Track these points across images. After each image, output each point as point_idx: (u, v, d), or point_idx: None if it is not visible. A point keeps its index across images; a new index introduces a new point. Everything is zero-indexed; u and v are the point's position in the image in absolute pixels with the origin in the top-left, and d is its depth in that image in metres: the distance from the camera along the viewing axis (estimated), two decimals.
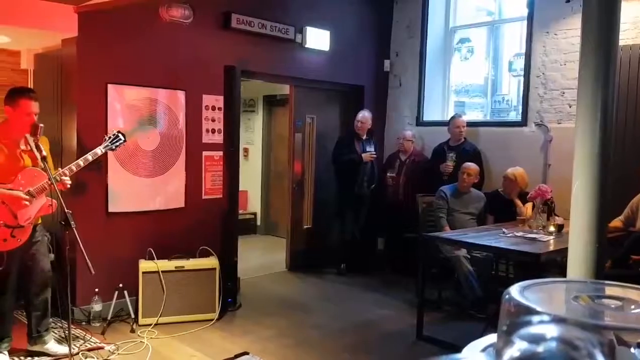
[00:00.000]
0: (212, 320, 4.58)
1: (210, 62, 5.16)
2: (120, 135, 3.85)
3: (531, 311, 0.68)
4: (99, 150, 3.73)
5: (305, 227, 6.46)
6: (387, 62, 6.91)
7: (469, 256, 4.80)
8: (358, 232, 6.24)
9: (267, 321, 4.67)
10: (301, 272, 6.23)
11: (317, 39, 6.00)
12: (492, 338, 0.96)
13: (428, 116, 6.68)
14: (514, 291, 0.82)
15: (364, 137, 6.14)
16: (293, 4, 5.84)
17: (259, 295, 5.41)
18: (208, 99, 5.20)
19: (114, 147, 3.84)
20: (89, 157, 3.67)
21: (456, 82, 6.84)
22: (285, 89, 6.87)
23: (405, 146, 6.18)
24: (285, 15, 5.72)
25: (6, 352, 3.64)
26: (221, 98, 5.28)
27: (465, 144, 5.81)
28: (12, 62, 5.08)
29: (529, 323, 0.67)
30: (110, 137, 3.82)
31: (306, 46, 5.92)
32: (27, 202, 3.44)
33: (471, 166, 5.25)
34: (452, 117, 5.95)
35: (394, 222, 6.13)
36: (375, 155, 6.11)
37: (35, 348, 3.79)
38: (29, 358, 3.75)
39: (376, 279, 6.04)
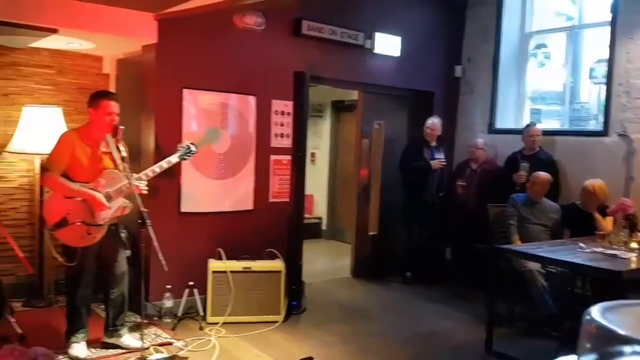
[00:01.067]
0: (277, 322, 4.62)
1: (281, 68, 5.24)
2: (192, 147, 4.07)
3: (622, 338, 0.64)
4: (173, 159, 3.96)
5: (370, 233, 6.42)
6: (458, 68, 6.77)
7: (543, 270, 4.61)
8: (425, 241, 6.13)
9: (330, 327, 4.67)
10: (365, 279, 6.20)
11: (387, 44, 5.96)
12: (567, 359, 0.91)
13: (501, 124, 6.49)
14: (596, 312, 0.78)
15: (433, 144, 6.04)
16: (363, 10, 5.83)
17: (323, 300, 5.42)
18: (277, 104, 5.28)
19: (186, 158, 4.08)
20: (164, 164, 3.89)
21: (532, 88, 6.61)
22: (353, 95, 6.87)
23: (476, 154, 6.03)
24: (356, 21, 5.73)
25: (83, 343, 3.83)
26: (290, 103, 5.35)
27: (540, 153, 5.60)
28: (96, 67, 5.35)
29: (621, 354, 0.63)
30: (183, 148, 4.04)
31: (375, 52, 5.90)
32: (105, 206, 3.62)
33: (541, 175, 5.05)
34: (527, 126, 5.76)
35: (463, 232, 5.98)
36: (444, 163, 6.00)
37: (111, 340, 3.97)
38: (104, 350, 3.93)
39: (443, 289, 5.91)
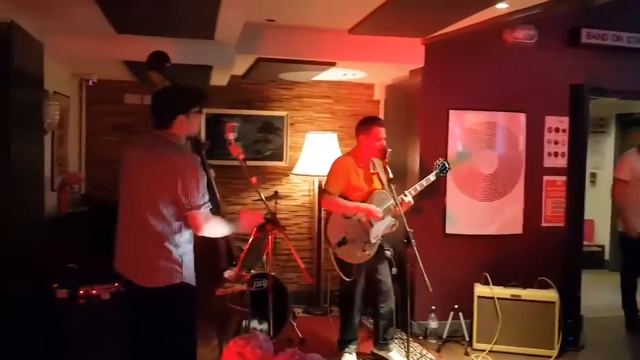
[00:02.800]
0: (550, 357, 4.25)
1: (554, 81, 4.87)
2: (446, 164, 4.15)
3: None
4: (431, 177, 4.06)
5: None
6: None
7: None
8: None
9: None
10: None
11: None
12: None
13: None
14: None
15: None
16: None
17: (605, 339, 4.79)
18: (551, 121, 4.92)
19: (441, 175, 4.15)
20: (424, 182, 4.03)
21: None
22: None
23: None
24: None
25: (354, 354, 4.06)
26: (566, 119, 4.94)
27: None
28: (367, 94, 5.73)
29: None
30: (438, 165, 4.14)
31: None
32: (379, 215, 3.82)
33: None
34: None
35: None
36: None
37: (381, 353, 4.15)
38: None
39: None
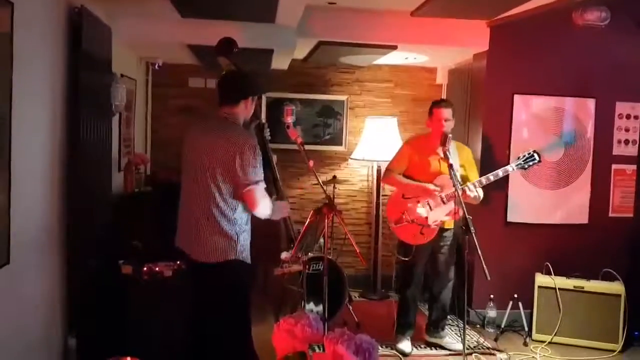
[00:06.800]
0: (613, 351, 4.11)
1: (627, 66, 4.63)
2: (535, 155, 3.83)
3: None
4: (510, 168, 3.83)
5: None
6: None
7: None
8: None
9: None
10: None
11: None
12: None
13: None
14: None
15: None
16: None
17: None
18: (622, 107, 4.71)
19: (526, 167, 3.85)
20: (500, 172, 3.80)
21: None
22: None
23: None
24: None
25: (409, 339, 4.06)
26: (638, 105, 4.71)
27: None
28: (429, 78, 5.64)
29: None
30: (524, 156, 3.84)
31: None
32: (436, 194, 3.76)
33: None
34: None
35: None
36: None
37: (433, 340, 4.13)
38: (427, 348, 4.09)
39: None
